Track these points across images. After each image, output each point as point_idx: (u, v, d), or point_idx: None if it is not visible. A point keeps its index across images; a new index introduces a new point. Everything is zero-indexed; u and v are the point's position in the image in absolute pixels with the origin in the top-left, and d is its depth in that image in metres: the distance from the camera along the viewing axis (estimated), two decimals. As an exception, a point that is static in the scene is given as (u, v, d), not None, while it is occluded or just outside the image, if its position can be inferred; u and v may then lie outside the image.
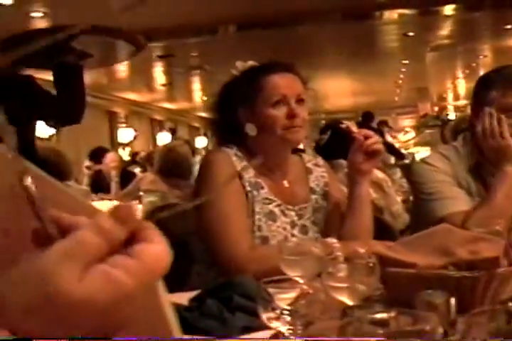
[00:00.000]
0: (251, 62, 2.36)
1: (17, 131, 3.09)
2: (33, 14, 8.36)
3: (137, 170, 9.42)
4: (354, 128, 2.27)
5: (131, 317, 0.58)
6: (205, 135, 21.41)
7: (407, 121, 23.52)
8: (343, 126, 2.31)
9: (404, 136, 18.37)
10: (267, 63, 2.33)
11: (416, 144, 13.91)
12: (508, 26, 11.04)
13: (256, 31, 10.29)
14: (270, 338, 1.40)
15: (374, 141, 2.24)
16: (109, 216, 0.58)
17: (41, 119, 3.37)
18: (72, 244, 0.56)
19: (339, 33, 11.22)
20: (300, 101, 2.23)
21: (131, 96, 16.78)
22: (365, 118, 10.45)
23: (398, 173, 6.38)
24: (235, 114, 2.27)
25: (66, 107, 3.37)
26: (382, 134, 8.78)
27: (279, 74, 2.25)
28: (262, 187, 2.23)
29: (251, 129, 2.23)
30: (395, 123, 22.64)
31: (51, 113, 3.37)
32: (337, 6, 9.45)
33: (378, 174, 4.21)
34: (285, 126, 2.19)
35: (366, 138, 2.23)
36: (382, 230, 2.86)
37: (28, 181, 0.59)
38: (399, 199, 4.61)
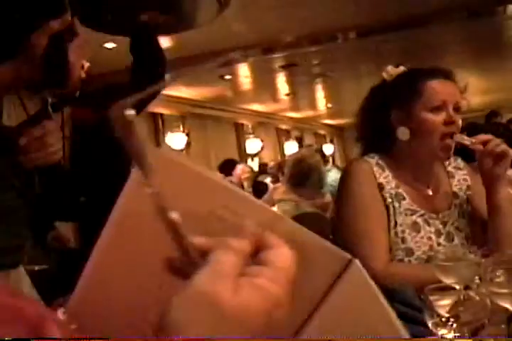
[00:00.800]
0: (402, 68, 2.36)
1: None
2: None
3: (268, 180, 9.52)
4: (466, 140, 2.19)
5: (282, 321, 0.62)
6: (331, 142, 21.43)
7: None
8: (456, 140, 2.22)
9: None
10: (426, 69, 2.32)
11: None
12: None
13: (376, 36, 10.21)
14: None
15: (494, 144, 2.16)
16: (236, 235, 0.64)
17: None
18: (214, 264, 0.61)
19: (463, 32, 10.98)
20: (457, 108, 2.22)
21: (257, 107, 16.97)
22: (489, 117, 10.14)
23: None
24: (388, 118, 2.27)
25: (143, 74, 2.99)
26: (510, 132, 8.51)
27: (439, 80, 2.25)
28: (404, 198, 2.21)
29: (403, 133, 2.22)
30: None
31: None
32: (458, 4, 9.27)
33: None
34: (442, 132, 2.17)
35: (485, 143, 2.16)
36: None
37: (173, 215, 0.63)
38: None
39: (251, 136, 16.72)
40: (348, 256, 0.70)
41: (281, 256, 0.63)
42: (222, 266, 0.60)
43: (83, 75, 2.64)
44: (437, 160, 2.29)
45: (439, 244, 2.18)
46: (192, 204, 0.68)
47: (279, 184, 6.85)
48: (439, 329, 1.18)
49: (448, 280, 1.50)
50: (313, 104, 18.25)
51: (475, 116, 10.38)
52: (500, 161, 2.16)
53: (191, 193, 0.68)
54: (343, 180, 2.26)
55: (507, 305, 1.35)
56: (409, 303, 1.42)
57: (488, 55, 13.25)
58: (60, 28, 1.65)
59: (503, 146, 2.15)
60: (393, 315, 0.69)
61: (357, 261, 0.70)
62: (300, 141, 18.90)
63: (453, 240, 2.22)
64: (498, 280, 1.41)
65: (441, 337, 1.23)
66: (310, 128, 21.39)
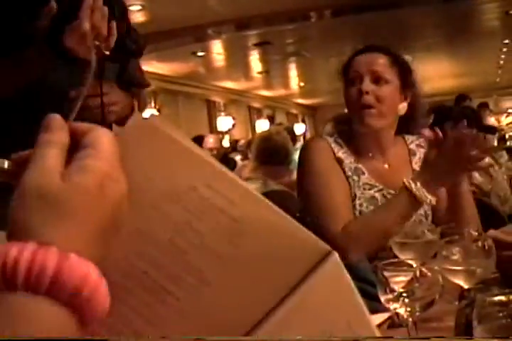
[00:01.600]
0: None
1: None
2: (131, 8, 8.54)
3: (238, 157, 9.51)
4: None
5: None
6: (303, 121, 21.47)
7: (509, 103, 22.84)
8: (424, 136, 2.17)
9: (507, 118, 17.85)
10: (365, 46, 2.35)
11: (521, 126, 13.50)
12: None
13: (351, 16, 10.21)
14: (386, 320, 1.42)
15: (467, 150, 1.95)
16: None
17: None
18: (36, 159, 0.62)
19: (437, 15, 11.00)
20: (378, 80, 2.21)
21: (229, 84, 16.94)
22: (458, 100, 10.21)
23: (505, 156, 6.25)
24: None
25: None
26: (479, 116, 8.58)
27: (363, 54, 2.28)
28: (363, 173, 2.23)
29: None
30: (496, 105, 22.05)
31: None
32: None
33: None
34: (356, 104, 2.20)
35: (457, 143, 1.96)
36: (490, 215, 2.83)
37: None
38: (506, 183, 4.52)
39: (222, 113, 16.70)
40: (328, 247, 0.69)
41: (99, 136, 0.64)
42: (44, 160, 0.61)
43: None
44: (368, 132, 2.28)
45: None
46: (172, 177, 0.67)
47: (246, 162, 6.86)
48: (391, 303, 1.19)
49: (405, 257, 1.52)
50: (286, 83, 18.26)
51: (446, 99, 10.43)
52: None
53: (173, 165, 0.67)
54: (302, 156, 2.28)
55: (460, 282, 1.38)
56: (364, 278, 1.44)
57: (461, 40, 13.31)
58: None
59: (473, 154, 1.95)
60: (366, 310, 0.68)
61: (336, 254, 0.68)
62: (272, 119, 18.90)
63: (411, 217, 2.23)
64: (454, 257, 1.43)
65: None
66: (282, 107, 21.41)
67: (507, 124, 15.70)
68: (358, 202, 2.19)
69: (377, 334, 0.67)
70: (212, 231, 0.66)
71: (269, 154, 5.10)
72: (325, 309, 0.68)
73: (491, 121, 11.50)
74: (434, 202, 2.00)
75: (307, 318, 0.67)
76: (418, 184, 1.99)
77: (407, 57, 2.35)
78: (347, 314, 0.68)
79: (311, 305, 0.67)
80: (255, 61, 14.41)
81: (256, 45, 12.19)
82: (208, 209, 0.66)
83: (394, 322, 1.39)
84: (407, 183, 1.99)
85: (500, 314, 0.89)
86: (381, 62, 2.25)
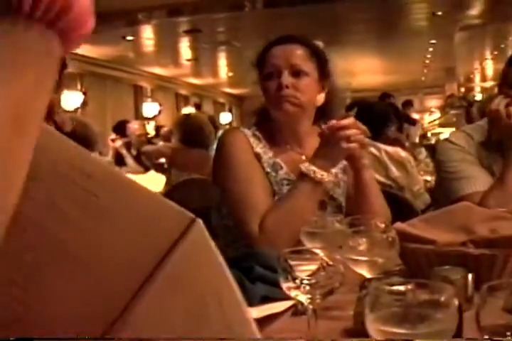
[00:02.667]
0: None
1: None
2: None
3: (161, 143, 9.45)
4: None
5: None
6: (229, 111, 21.46)
7: (433, 102, 23.30)
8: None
9: (430, 116, 18.22)
10: (279, 37, 2.31)
11: (441, 125, 13.81)
12: (540, 7, 10.88)
13: (285, 8, 10.24)
14: (290, 308, 1.43)
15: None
16: None
17: None
18: None
19: (369, 12, 11.14)
20: (297, 72, 2.20)
21: (157, 70, 16.80)
22: (382, 98, 10.39)
23: (423, 153, 6.38)
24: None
25: None
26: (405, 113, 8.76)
27: (279, 45, 2.25)
28: (281, 168, 2.23)
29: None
30: (421, 103, 22.47)
31: None
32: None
33: (401, 153, 4.21)
34: (273, 97, 2.19)
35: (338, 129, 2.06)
36: (403, 209, 2.88)
37: None
38: (422, 179, 4.61)
39: (149, 99, 16.56)
40: (191, 215, 0.68)
41: None
42: None
43: None
44: (286, 123, 2.29)
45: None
46: (34, 156, 0.65)
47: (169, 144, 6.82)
48: (291, 291, 1.20)
49: (313, 246, 1.54)
50: (214, 72, 18.21)
51: (375, 95, 10.57)
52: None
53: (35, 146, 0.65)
54: (219, 148, 2.25)
55: (363, 272, 1.40)
56: (271, 266, 1.44)
57: (391, 37, 13.52)
58: None
59: (359, 137, 2.09)
60: (234, 282, 0.68)
61: (200, 222, 0.67)
62: (199, 107, 18.82)
63: (325, 208, 2.26)
64: (359, 248, 1.45)
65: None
66: (209, 96, 21.36)
67: (429, 122, 16.04)
68: (276, 197, 2.18)
69: (246, 310, 0.67)
70: (75, 206, 0.65)
71: (190, 134, 5.11)
72: (194, 280, 0.67)
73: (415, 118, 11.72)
74: (329, 177, 2.07)
75: (178, 291, 0.67)
76: (311, 166, 2.04)
77: (319, 44, 2.36)
78: (215, 287, 0.67)
79: (180, 276, 0.67)
80: (185, 48, 14.32)
81: (186, 32, 12.11)
82: (68, 186, 0.65)
83: (297, 310, 1.40)
84: (301, 167, 2.05)
85: (397, 303, 0.91)
86: (299, 54, 2.23)
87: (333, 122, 2.05)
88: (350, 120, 2.07)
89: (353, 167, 2.19)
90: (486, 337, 0.90)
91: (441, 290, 0.90)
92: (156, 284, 0.66)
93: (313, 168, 2.05)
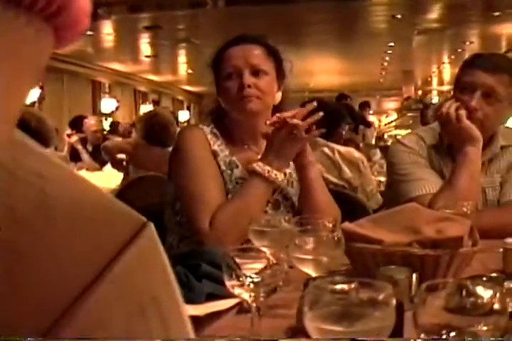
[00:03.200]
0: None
1: None
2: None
3: (120, 139, 9.40)
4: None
5: None
6: (187, 108, 21.41)
7: (391, 104, 23.52)
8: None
9: (387, 118, 18.39)
10: (234, 37, 2.30)
11: (397, 127, 13.95)
12: (497, 13, 11.03)
13: (246, 7, 10.24)
14: (235, 306, 1.43)
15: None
16: None
17: None
18: None
19: (329, 12, 11.20)
20: (257, 72, 2.21)
21: (116, 66, 16.69)
22: (339, 99, 10.45)
23: (378, 154, 6.43)
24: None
25: None
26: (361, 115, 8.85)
27: (237, 46, 2.24)
28: (237, 166, 2.23)
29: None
30: (379, 105, 22.68)
31: None
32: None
33: (355, 154, 4.24)
34: (235, 97, 2.18)
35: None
36: (356, 209, 2.90)
37: None
38: (376, 179, 4.65)
39: (107, 95, 16.45)
40: (143, 219, 0.67)
41: None
42: None
43: None
44: (245, 118, 2.29)
45: (265, 212, 2.21)
46: None
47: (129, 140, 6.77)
48: (235, 289, 1.20)
49: (261, 245, 1.54)
50: (174, 69, 18.15)
51: (333, 95, 10.64)
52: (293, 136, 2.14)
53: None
54: (177, 144, 2.25)
55: (308, 271, 1.41)
56: (218, 264, 1.45)
57: (350, 39, 13.62)
58: None
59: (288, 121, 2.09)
60: (176, 285, 0.67)
61: (151, 225, 0.67)
62: (157, 104, 18.76)
63: (279, 208, 2.27)
64: (306, 247, 1.46)
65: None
66: (168, 93, 21.29)
67: (386, 124, 16.19)
68: (230, 196, 2.18)
69: (185, 314, 0.67)
70: (23, 205, 0.65)
71: (152, 131, 5.08)
72: (138, 284, 0.67)
73: (371, 119, 11.82)
74: (282, 177, 2.11)
75: (123, 293, 0.67)
76: (265, 165, 2.07)
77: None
78: (157, 291, 0.67)
79: (126, 279, 0.66)
80: (144, 44, 14.25)
81: (147, 28, 12.05)
82: (16, 184, 0.65)
83: (243, 308, 1.41)
84: (254, 166, 2.07)
85: (336, 301, 0.92)
86: (258, 54, 2.24)
87: (278, 115, 2.10)
88: (295, 110, 2.11)
89: (298, 164, 2.22)
90: (423, 335, 0.91)
91: (380, 289, 0.91)
92: (102, 287, 0.66)
93: (267, 167, 2.07)
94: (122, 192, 4.34)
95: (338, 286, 0.96)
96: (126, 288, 0.67)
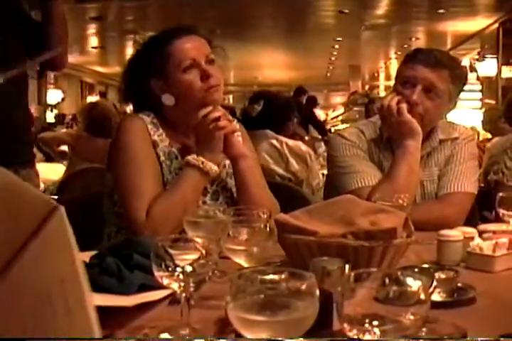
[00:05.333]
0: (150, 33, 2.35)
1: None
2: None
3: (63, 130, 9.28)
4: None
5: None
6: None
7: (338, 98, 23.67)
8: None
9: (333, 112, 18.51)
10: (167, 30, 2.29)
11: (343, 121, 14.05)
12: (441, 11, 11.17)
13: (194, -1, 10.20)
14: (167, 296, 1.42)
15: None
16: None
17: None
18: None
19: (277, 7, 11.21)
20: (210, 61, 2.21)
21: (62, 57, 16.46)
22: (297, 93, 10.49)
23: (323, 147, 6.47)
24: (149, 87, 2.24)
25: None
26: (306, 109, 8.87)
27: (182, 38, 2.21)
28: (176, 157, 2.22)
29: (168, 99, 2.20)
30: (326, 100, 22.81)
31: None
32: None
33: (302, 147, 4.26)
34: (202, 88, 2.17)
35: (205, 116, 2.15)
36: (300, 203, 2.90)
37: None
38: (320, 172, 4.68)
39: (52, 86, 16.23)
40: (54, 203, 0.66)
41: None
42: None
43: None
44: (196, 116, 2.27)
45: (204, 202, 2.21)
46: None
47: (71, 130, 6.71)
48: (164, 279, 1.20)
49: (196, 235, 1.53)
50: (121, 60, 17.91)
51: (282, 90, 10.67)
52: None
53: None
54: (116, 134, 2.22)
55: (241, 262, 1.41)
56: (149, 255, 1.44)
57: (297, 33, 13.65)
58: None
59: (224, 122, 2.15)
60: (82, 269, 0.66)
61: (62, 209, 0.66)
62: (104, 95, 18.57)
63: (218, 199, 2.27)
64: (239, 238, 1.45)
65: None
66: (115, 84, 20.99)
67: (332, 118, 16.31)
68: (168, 187, 2.17)
69: (88, 299, 0.66)
70: None
71: (94, 123, 5.05)
72: (47, 269, 0.66)
73: (317, 113, 11.87)
74: (216, 168, 2.12)
75: (32, 276, 0.66)
76: (200, 157, 2.10)
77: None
78: (64, 274, 0.66)
79: (37, 266, 0.66)
80: (91, 35, 14.10)
81: (93, 19, 11.91)
82: None
83: (175, 299, 1.39)
84: (189, 158, 2.10)
85: (260, 291, 0.91)
86: (205, 44, 2.25)
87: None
88: (209, 107, 2.14)
89: (229, 155, 2.23)
90: (345, 325, 0.92)
91: (303, 279, 0.91)
92: (12, 274, 0.65)
93: (202, 159, 2.08)
94: (65, 184, 4.30)
95: (263, 276, 0.96)
96: (35, 274, 0.66)
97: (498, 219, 2.11)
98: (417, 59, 2.50)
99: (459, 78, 2.52)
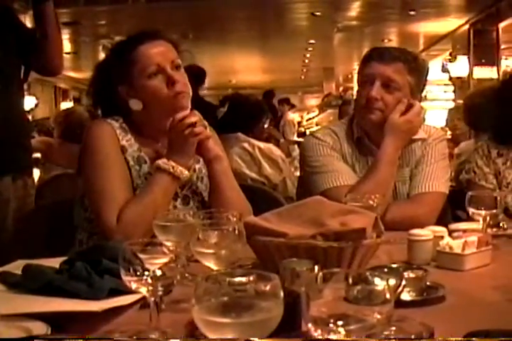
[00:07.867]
0: (118, 38, 2.35)
1: None
2: None
3: (36, 137, 9.22)
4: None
5: None
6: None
7: (313, 101, 23.70)
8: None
9: (308, 114, 18.52)
10: (133, 35, 2.27)
11: (318, 123, 14.06)
12: (412, 12, 11.21)
13: (168, 3, 10.15)
14: (138, 301, 1.42)
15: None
16: None
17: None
18: None
19: (249, 9, 11.20)
20: (177, 67, 2.20)
21: (35, 63, 16.36)
22: (266, 96, 10.52)
23: (297, 150, 6.48)
24: (116, 93, 2.22)
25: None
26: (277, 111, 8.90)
27: (147, 43, 2.20)
28: (145, 162, 2.21)
29: (136, 104, 2.19)
30: (301, 102, 22.83)
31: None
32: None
33: (274, 150, 4.26)
34: (168, 94, 2.16)
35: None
36: (273, 205, 2.90)
37: None
38: (295, 175, 4.68)
39: (26, 92, 16.10)
40: None
41: None
42: None
43: None
44: (166, 122, 2.27)
45: (175, 207, 2.21)
46: None
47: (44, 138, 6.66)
48: (132, 284, 1.20)
49: (166, 239, 1.54)
50: (94, 66, 17.90)
51: (255, 92, 10.67)
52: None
53: None
54: (85, 140, 2.21)
55: (210, 265, 1.41)
56: (111, 257, 1.44)
57: (271, 36, 13.66)
58: None
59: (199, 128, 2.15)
60: None
61: None
62: (78, 101, 18.46)
63: (188, 203, 2.27)
64: (209, 241, 1.46)
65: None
66: (90, 90, 20.98)
67: (307, 120, 16.33)
68: (138, 191, 2.17)
69: None
70: None
71: (69, 129, 5.04)
72: None
73: (291, 116, 11.91)
74: (186, 172, 2.14)
75: None
76: (170, 161, 2.10)
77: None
78: None
79: None
80: (64, 41, 13.98)
81: (66, 24, 11.83)
82: None
83: (146, 303, 1.39)
84: (159, 162, 2.10)
85: (225, 294, 0.92)
86: (171, 49, 2.24)
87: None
88: (185, 112, 2.14)
89: (204, 159, 2.24)
90: (310, 326, 0.92)
91: (267, 281, 0.92)
92: None
93: (172, 163, 2.09)
94: (38, 190, 4.27)
95: (230, 279, 0.96)
96: None
97: (471, 218, 2.13)
98: (372, 57, 2.57)
99: (416, 70, 2.55)
